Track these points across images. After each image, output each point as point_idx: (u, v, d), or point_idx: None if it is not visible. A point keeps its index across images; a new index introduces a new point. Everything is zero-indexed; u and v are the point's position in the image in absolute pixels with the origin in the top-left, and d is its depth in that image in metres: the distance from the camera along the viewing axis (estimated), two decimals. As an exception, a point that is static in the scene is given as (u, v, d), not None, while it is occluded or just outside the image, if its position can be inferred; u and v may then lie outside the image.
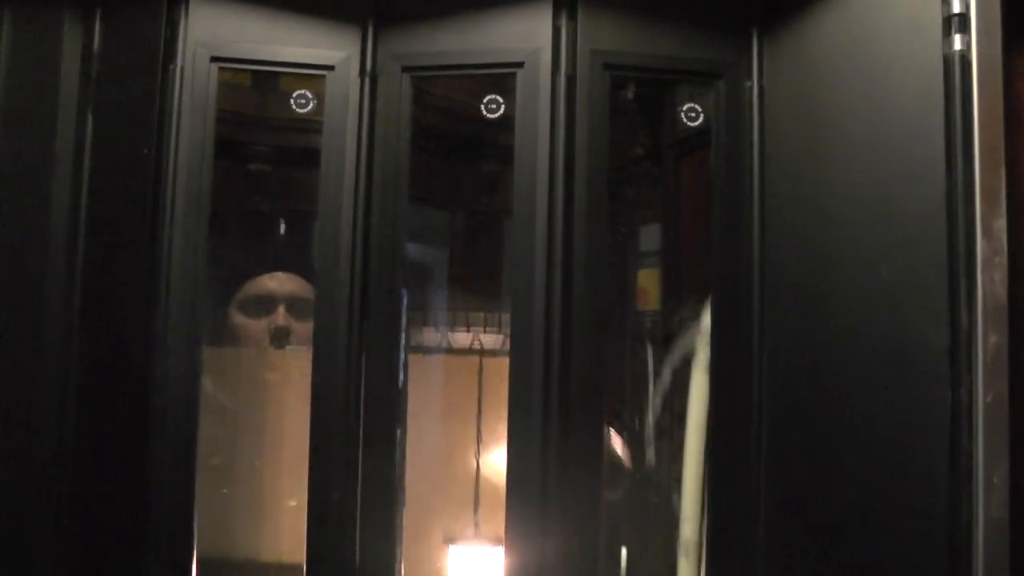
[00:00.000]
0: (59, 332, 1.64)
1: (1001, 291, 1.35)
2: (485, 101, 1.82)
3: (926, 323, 1.38)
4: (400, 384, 1.75)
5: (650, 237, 2.19)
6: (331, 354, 1.70)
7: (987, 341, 1.33)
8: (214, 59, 1.71)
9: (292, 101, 1.79)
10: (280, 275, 2.08)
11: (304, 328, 2.01)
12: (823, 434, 1.58)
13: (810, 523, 1.60)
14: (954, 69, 1.39)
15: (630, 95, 2.02)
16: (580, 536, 1.66)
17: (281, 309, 2.02)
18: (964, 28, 1.40)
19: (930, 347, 1.37)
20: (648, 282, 2.16)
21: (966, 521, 1.30)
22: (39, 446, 1.63)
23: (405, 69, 1.75)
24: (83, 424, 1.65)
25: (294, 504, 1.89)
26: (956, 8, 1.40)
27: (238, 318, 2.01)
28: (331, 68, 1.74)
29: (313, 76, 1.76)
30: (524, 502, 1.66)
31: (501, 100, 1.81)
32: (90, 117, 1.69)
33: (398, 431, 1.73)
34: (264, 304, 2.03)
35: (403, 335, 1.77)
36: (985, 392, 1.32)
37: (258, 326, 2.02)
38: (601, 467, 1.71)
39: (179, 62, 1.71)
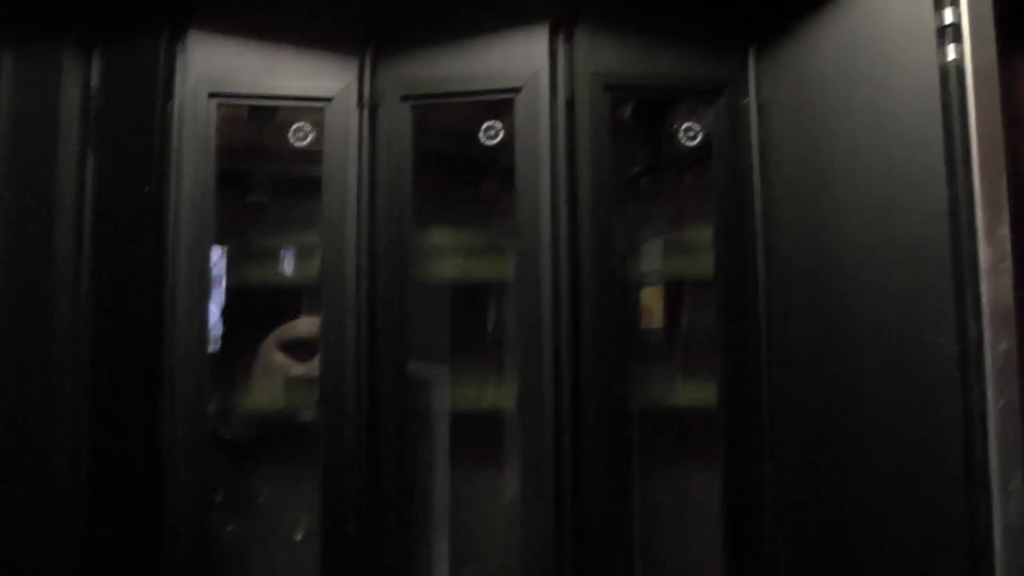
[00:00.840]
0: (67, 375, 1.64)
1: (1008, 297, 1.35)
2: (483, 127, 1.83)
3: (935, 332, 1.38)
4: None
5: (652, 254, 2.18)
6: (338, 386, 1.70)
7: (996, 347, 1.33)
8: (212, 94, 1.72)
9: (291, 134, 1.80)
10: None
11: None
12: (836, 445, 1.57)
13: (825, 532, 1.59)
14: (950, 79, 1.40)
15: (628, 113, 2.03)
16: None
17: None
18: (957, 38, 1.40)
19: (940, 355, 1.37)
20: (651, 300, 2.15)
21: (984, 529, 1.29)
22: (50, 471, 1.62)
23: (404, 98, 1.76)
24: (94, 479, 1.64)
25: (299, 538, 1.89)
26: (948, 19, 1.41)
27: (277, 356, 1.98)
28: (329, 100, 1.75)
29: (312, 108, 1.77)
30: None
31: (499, 126, 1.82)
32: (91, 155, 1.69)
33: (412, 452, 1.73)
34: (305, 349, 2.00)
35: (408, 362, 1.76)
36: (996, 398, 1.32)
37: (298, 370, 1.99)
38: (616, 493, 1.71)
39: (178, 98, 1.72)
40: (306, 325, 1.97)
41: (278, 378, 1.95)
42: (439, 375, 1.97)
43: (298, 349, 1.97)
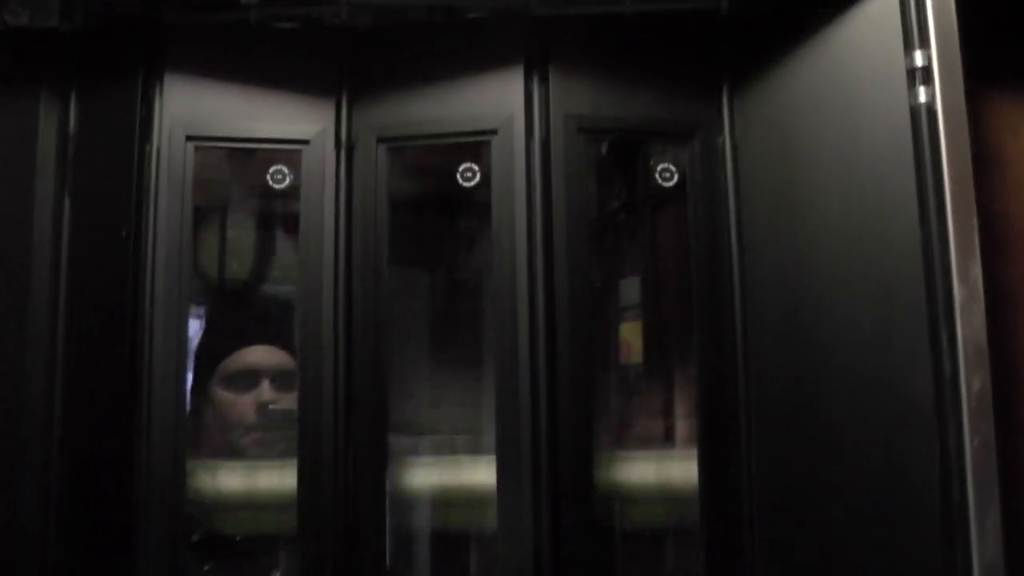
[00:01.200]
0: (40, 417, 1.63)
1: (981, 336, 1.36)
2: (461, 170, 1.84)
3: (910, 370, 1.39)
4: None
5: (630, 290, 2.19)
6: (316, 425, 1.69)
7: (970, 386, 1.34)
8: (190, 138, 1.72)
9: (268, 177, 1.79)
10: (260, 348, 2.05)
11: (288, 400, 1.99)
12: (813, 486, 1.58)
13: (802, 574, 1.60)
14: (921, 120, 1.42)
15: (604, 151, 2.04)
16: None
17: (266, 383, 1.99)
18: (928, 80, 1.42)
19: (915, 395, 1.37)
20: (630, 335, 2.16)
21: (963, 568, 1.30)
22: (21, 521, 1.61)
23: (380, 140, 1.77)
24: (66, 517, 1.63)
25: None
26: (919, 61, 1.43)
27: (221, 394, 1.98)
28: (307, 142, 1.76)
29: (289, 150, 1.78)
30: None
31: (476, 168, 1.83)
32: (67, 198, 1.69)
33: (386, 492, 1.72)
34: (248, 379, 2.00)
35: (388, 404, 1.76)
36: (972, 437, 1.32)
37: (244, 401, 1.99)
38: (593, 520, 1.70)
39: (155, 142, 1.71)
40: (246, 356, 1.98)
41: (229, 416, 1.95)
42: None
43: (240, 382, 1.97)
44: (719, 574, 1.70)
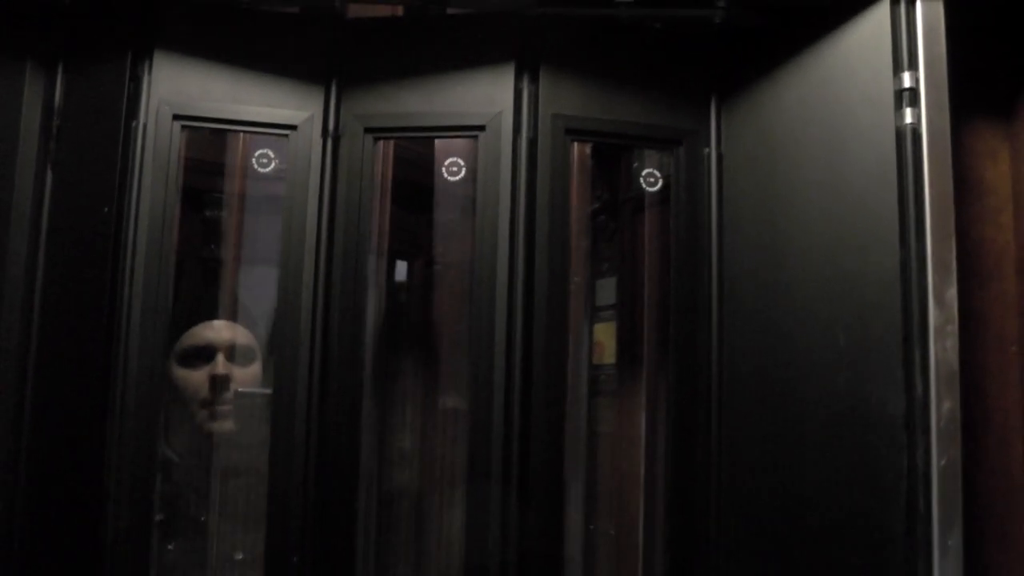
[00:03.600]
0: (13, 395, 1.61)
1: (953, 358, 1.39)
2: (446, 164, 1.84)
3: (882, 389, 1.41)
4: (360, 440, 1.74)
5: (606, 291, 2.20)
6: (289, 410, 1.69)
7: (940, 406, 1.37)
8: (177, 117, 1.71)
9: (254, 160, 1.79)
10: (217, 323, 2.03)
11: (245, 375, 1.98)
12: (780, 495, 1.60)
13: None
14: (906, 142, 1.44)
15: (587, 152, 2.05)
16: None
17: (220, 358, 1.97)
18: (914, 102, 1.45)
19: (886, 413, 1.40)
20: (604, 336, 2.17)
21: (924, 583, 1.33)
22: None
23: (367, 130, 1.76)
24: (36, 484, 1.61)
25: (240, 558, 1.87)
26: (907, 83, 1.45)
27: (178, 371, 1.96)
28: (294, 128, 1.75)
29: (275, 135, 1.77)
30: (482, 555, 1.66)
31: (462, 163, 1.83)
32: (49, 172, 1.67)
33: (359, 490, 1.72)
34: (202, 354, 1.98)
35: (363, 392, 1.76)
36: (940, 456, 1.35)
37: (198, 376, 1.97)
38: (562, 521, 1.72)
39: (142, 119, 1.70)
40: (202, 331, 1.98)
41: (185, 392, 1.94)
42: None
43: (195, 358, 1.96)
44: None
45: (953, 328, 1.39)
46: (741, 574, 1.67)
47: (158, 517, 1.75)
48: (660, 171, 1.87)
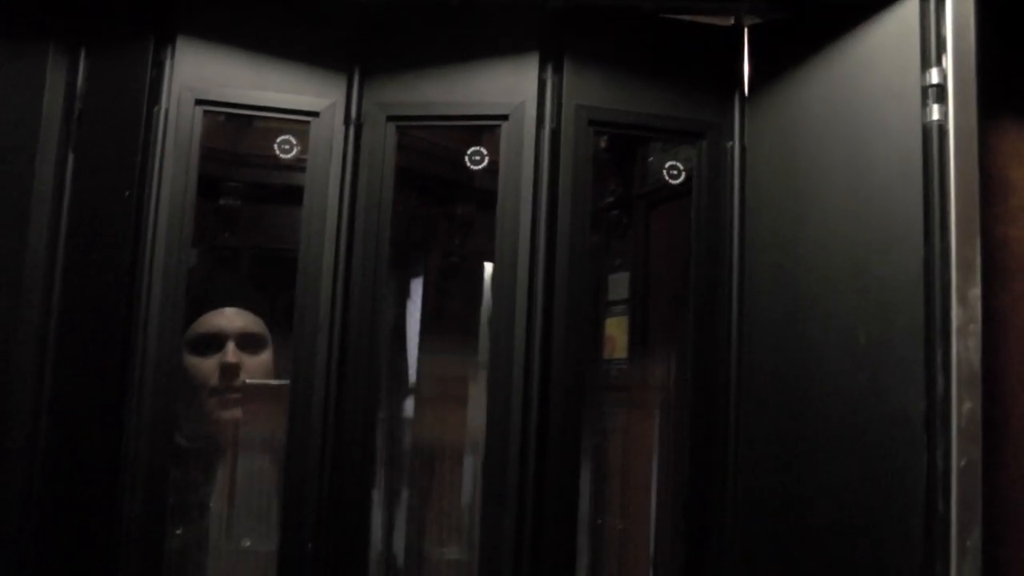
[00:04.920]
0: (32, 377, 1.61)
1: (975, 358, 1.38)
2: (469, 152, 1.84)
3: (902, 389, 1.40)
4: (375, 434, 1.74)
5: (618, 285, 2.20)
6: (307, 401, 1.69)
7: (961, 407, 1.36)
8: (199, 102, 1.71)
9: (276, 146, 1.79)
10: (228, 311, 2.02)
11: (255, 363, 1.98)
12: (797, 493, 1.59)
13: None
14: (932, 138, 1.43)
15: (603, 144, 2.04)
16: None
17: (231, 346, 1.97)
18: (942, 99, 1.43)
19: (906, 412, 1.39)
20: (616, 330, 2.17)
21: (942, 585, 1.32)
22: (6, 480, 1.59)
23: (390, 118, 1.76)
24: (52, 469, 1.61)
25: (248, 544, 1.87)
26: (934, 79, 1.44)
27: (188, 359, 1.96)
28: (316, 115, 1.74)
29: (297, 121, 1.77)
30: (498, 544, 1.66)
31: (485, 152, 1.83)
32: (71, 156, 1.67)
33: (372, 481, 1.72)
34: (213, 342, 1.98)
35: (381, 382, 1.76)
36: (959, 457, 1.34)
37: (208, 364, 1.97)
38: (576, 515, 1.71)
39: (164, 104, 1.69)
40: (213, 318, 1.98)
41: (195, 380, 1.95)
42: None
43: (206, 346, 1.96)
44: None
45: (976, 328, 1.38)
46: (757, 573, 1.66)
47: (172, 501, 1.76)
48: (682, 164, 1.86)
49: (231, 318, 2.01)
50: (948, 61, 1.44)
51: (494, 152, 1.78)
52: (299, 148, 1.79)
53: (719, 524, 1.71)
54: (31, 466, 1.61)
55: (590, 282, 1.78)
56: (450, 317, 2.23)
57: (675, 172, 1.86)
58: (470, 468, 2.00)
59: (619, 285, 2.19)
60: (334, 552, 1.67)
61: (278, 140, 1.79)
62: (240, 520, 1.90)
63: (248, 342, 1.99)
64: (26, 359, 1.61)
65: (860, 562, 1.44)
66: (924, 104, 1.44)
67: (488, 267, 2.03)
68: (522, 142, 1.72)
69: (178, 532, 1.84)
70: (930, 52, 1.46)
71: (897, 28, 1.50)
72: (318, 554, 1.66)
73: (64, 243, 1.65)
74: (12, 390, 1.60)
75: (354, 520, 1.69)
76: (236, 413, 1.95)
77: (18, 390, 1.61)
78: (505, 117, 1.74)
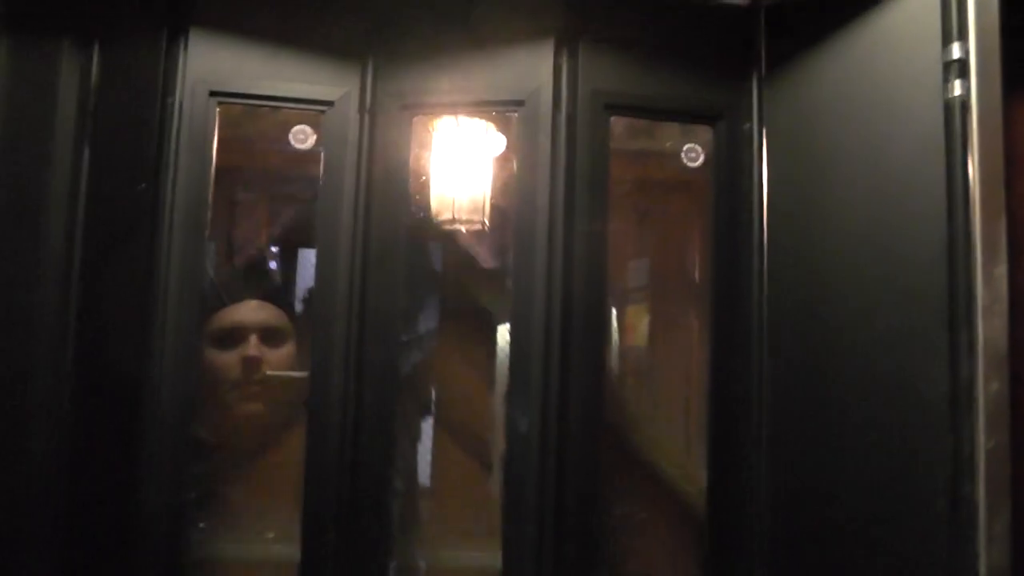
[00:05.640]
0: (51, 368, 1.61)
1: (1001, 338, 1.35)
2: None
3: (926, 370, 1.38)
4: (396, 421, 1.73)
5: (638, 272, 2.18)
6: (326, 389, 1.69)
7: (988, 388, 1.33)
8: (213, 93, 1.71)
9: (291, 136, 1.78)
10: (251, 303, 2.02)
11: (277, 355, 1.98)
12: (821, 481, 1.57)
13: (811, 573, 1.59)
14: (954, 115, 1.40)
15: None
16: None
17: (253, 339, 1.97)
18: (964, 74, 1.40)
19: (930, 395, 1.36)
20: (635, 318, 2.15)
21: (969, 571, 1.29)
22: (28, 475, 1.59)
23: (404, 107, 1.75)
24: (73, 460, 1.61)
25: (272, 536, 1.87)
26: (956, 54, 1.41)
27: (209, 352, 1.96)
28: (330, 104, 1.74)
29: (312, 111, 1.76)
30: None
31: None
32: (87, 150, 1.67)
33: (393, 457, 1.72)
34: (235, 335, 1.98)
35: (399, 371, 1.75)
36: (987, 439, 1.31)
37: (230, 358, 1.97)
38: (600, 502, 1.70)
39: (178, 96, 1.70)
40: (234, 312, 1.97)
41: (217, 374, 1.94)
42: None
43: (227, 339, 1.96)
44: (721, 565, 1.70)
45: (1002, 307, 1.35)
46: (781, 558, 1.64)
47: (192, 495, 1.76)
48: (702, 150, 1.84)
49: (253, 311, 2.01)
50: (971, 35, 1.41)
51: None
52: (314, 138, 1.78)
53: (743, 509, 1.69)
54: (52, 457, 1.61)
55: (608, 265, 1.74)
56: (467, 305, 2.21)
57: (693, 155, 1.84)
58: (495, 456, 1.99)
59: (639, 272, 2.17)
60: (355, 544, 1.67)
61: (292, 131, 1.78)
62: (263, 513, 1.90)
63: (270, 335, 1.99)
64: (45, 352, 1.61)
65: (885, 547, 1.42)
66: (946, 80, 1.41)
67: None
68: (538, 128, 1.71)
69: (201, 526, 1.85)
70: (951, 26, 1.42)
71: (918, 3, 1.47)
72: (339, 546, 1.66)
73: (81, 236, 1.64)
74: (32, 382, 1.60)
75: (375, 510, 1.69)
76: (258, 406, 1.95)
77: (38, 382, 1.60)
78: (521, 103, 1.73)
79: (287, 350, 1.99)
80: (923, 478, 1.36)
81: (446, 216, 1.92)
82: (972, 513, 1.31)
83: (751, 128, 1.76)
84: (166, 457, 1.63)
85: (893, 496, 1.42)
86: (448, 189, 1.92)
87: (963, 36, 1.41)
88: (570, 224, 1.69)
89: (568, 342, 1.68)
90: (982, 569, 1.29)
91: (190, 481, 1.67)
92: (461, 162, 1.91)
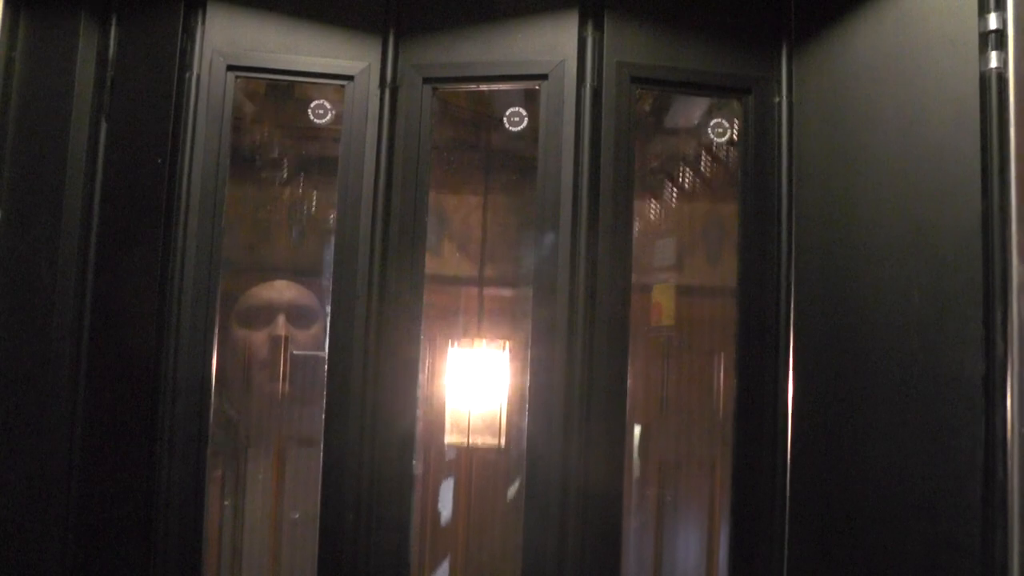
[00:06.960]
0: (68, 340, 1.62)
1: (1038, 317, 1.31)
2: (508, 114, 1.79)
3: (959, 350, 1.34)
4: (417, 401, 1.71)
5: (665, 250, 2.15)
6: (346, 366, 1.67)
7: (1022, 368, 1.29)
8: (231, 68, 1.69)
9: (310, 111, 1.76)
10: (278, 283, 2.02)
11: (305, 336, 1.97)
12: (852, 465, 1.54)
13: (839, 558, 1.56)
14: (990, 87, 1.35)
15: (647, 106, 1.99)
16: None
17: (281, 319, 1.96)
18: (1001, 45, 1.36)
19: (963, 375, 1.32)
20: (663, 297, 2.12)
21: (1000, 554, 1.26)
22: (48, 451, 1.60)
23: (426, 80, 1.72)
24: (91, 436, 1.62)
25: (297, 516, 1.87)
26: (993, 24, 1.36)
27: (238, 331, 1.95)
28: (350, 78, 1.71)
29: (332, 85, 1.74)
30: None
31: (524, 113, 1.78)
32: (104, 123, 1.66)
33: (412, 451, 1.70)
34: (263, 314, 1.97)
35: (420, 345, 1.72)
36: (1020, 422, 1.27)
37: (258, 337, 1.96)
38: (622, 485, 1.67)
39: (195, 70, 1.69)
40: (262, 291, 1.96)
41: (245, 353, 1.94)
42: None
43: (255, 318, 1.95)
44: (746, 550, 1.67)
45: (1039, 284, 1.31)
46: (809, 542, 1.62)
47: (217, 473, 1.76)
48: (730, 124, 1.81)
49: (281, 290, 2.00)
50: (1009, 5, 1.36)
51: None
52: (333, 113, 1.75)
53: (770, 491, 1.67)
54: (71, 438, 1.62)
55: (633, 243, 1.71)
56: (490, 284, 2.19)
57: (721, 129, 1.80)
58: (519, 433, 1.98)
59: (666, 250, 2.14)
60: (375, 523, 1.65)
61: (311, 105, 1.76)
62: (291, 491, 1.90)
63: (298, 315, 1.98)
64: (63, 327, 1.61)
65: (916, 530, 1.39)
66: (982, 51, 1.37)
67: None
68: (562, 102, 1.68)
69: (226, 503, 1.85)
70: (988, -4, 1.38)
71: (952, -29, 1.43)
72: (359, 524, 1.65)
73: (98, 210, 1.65)
74: (49, 357, 1.61)
75: (395, 490, 1.67)
76: (285, 386, 1.94)
77: (55, 357, 1.61)
78: (545, 76, 1.70)
79: (315, 330, 1.98)
80: (955, 460, 1.33)
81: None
82: (1004, 497, 1.27)
83: (781, 101, 1.72)
84: (184, 438, 1.63)
85: (923, 479, 1.38)
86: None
87: (1001, 6, 1.36)
88: (595, 199, 1.66)
89: (594, 323, 1.66)
90: (1014, 554, 1.25)
91: (205, 464, 1.65)
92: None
